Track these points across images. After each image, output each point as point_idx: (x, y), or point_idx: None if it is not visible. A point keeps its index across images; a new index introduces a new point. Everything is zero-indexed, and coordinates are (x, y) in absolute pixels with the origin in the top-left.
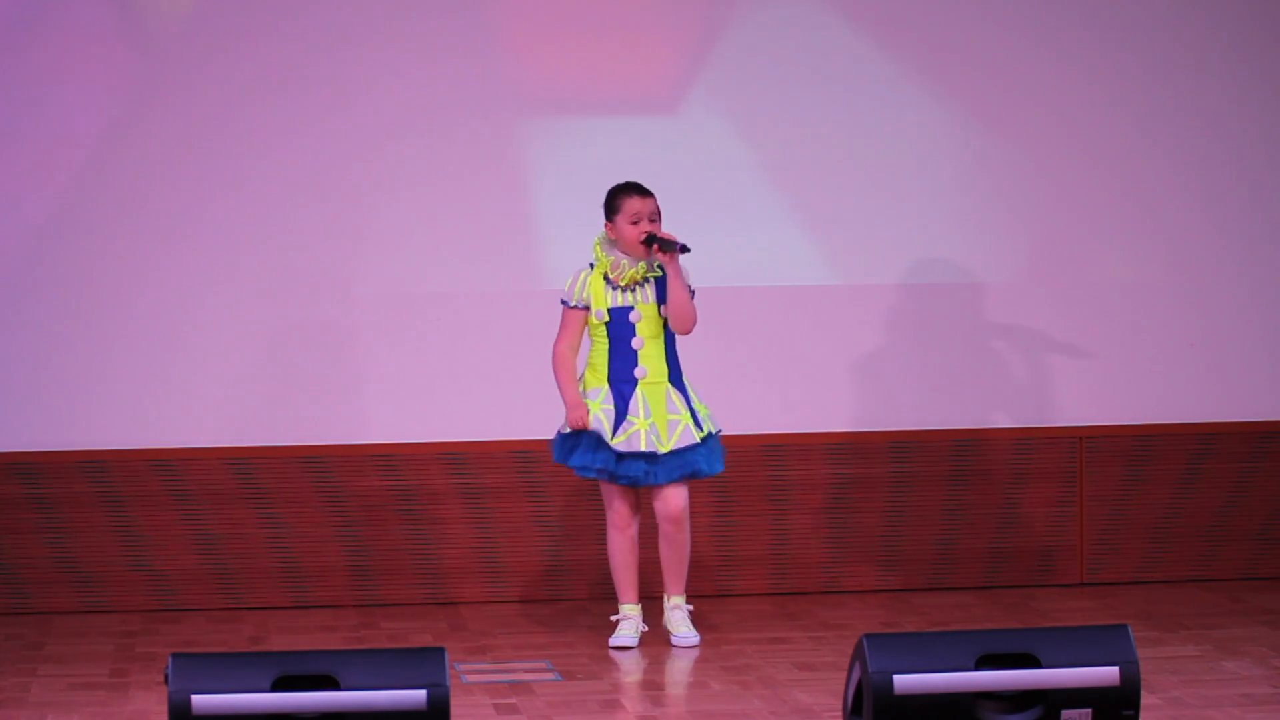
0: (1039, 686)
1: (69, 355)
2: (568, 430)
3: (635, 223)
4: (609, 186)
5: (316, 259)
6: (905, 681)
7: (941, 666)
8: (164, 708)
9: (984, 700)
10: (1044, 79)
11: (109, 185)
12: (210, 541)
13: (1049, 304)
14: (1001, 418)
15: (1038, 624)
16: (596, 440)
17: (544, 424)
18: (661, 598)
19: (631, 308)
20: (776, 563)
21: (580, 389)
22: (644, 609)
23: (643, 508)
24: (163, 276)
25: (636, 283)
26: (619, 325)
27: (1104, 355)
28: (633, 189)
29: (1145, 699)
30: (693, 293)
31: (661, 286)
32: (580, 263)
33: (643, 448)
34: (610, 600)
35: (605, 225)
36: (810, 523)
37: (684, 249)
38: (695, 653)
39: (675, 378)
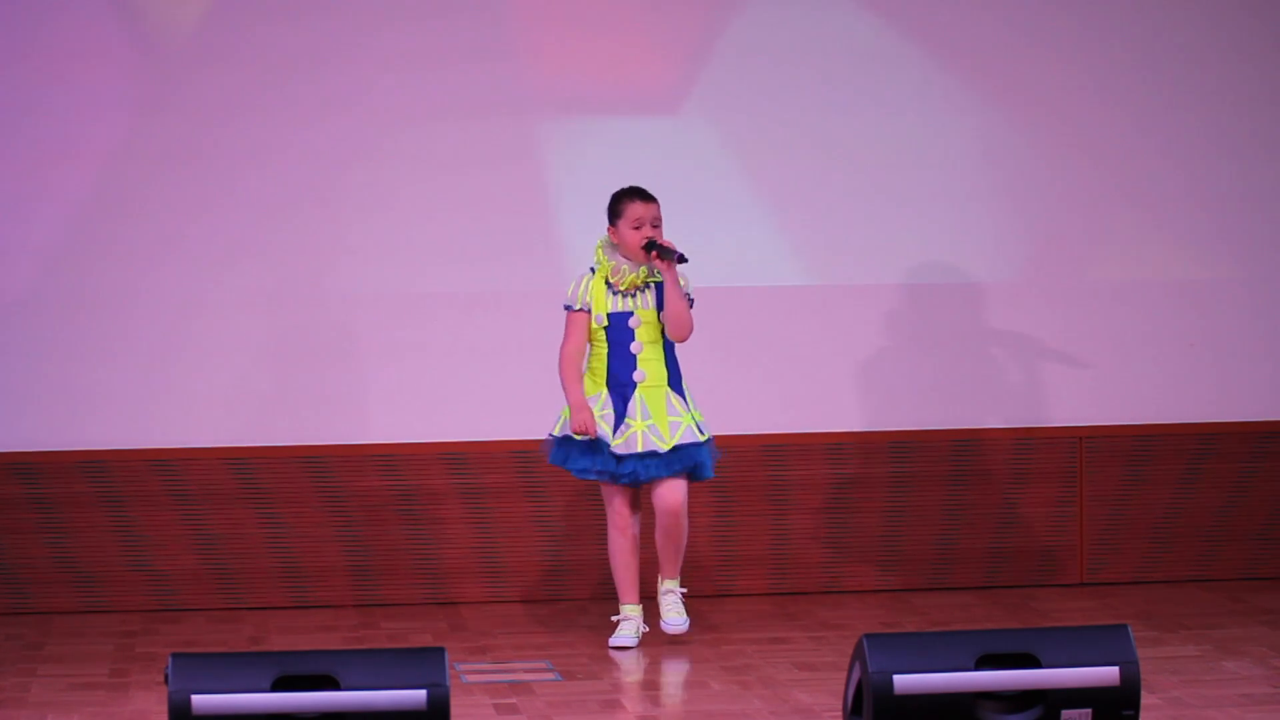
0: (1039, 686)
1: (69, 355)
2: (559, 434)
3: (637, 228)
4: (610, 188)
5: (317, 259)
6: (905, 681)
7: (941, 666)
8: (164, 708)
9: (984, 700)
10: (1044, 79)
11: (109, 186)
12: (210, 541)
13: (1049, 304)
14: (1001, 418)
15: (1038, 624)
16: (595, 442)
17: (545, 424)
18: (658, 586)
19: (631, 313)
20: (776, 563)
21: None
22: (644, 609)
23: (643, 507)
24: (163, 277)
25: (637, 288)
26: (618, 330)
27: (1104, 355)
28: (636, 194)
29: (1145, 699)
30: (691, 302)
31: (662, 292)
32: (581, 262)
33: (640, 449)
34: (610, 600)
35: (608, 229)
36: (810, 523)
37: (681, 258)
38: (695, 652)
39: (674, 382)
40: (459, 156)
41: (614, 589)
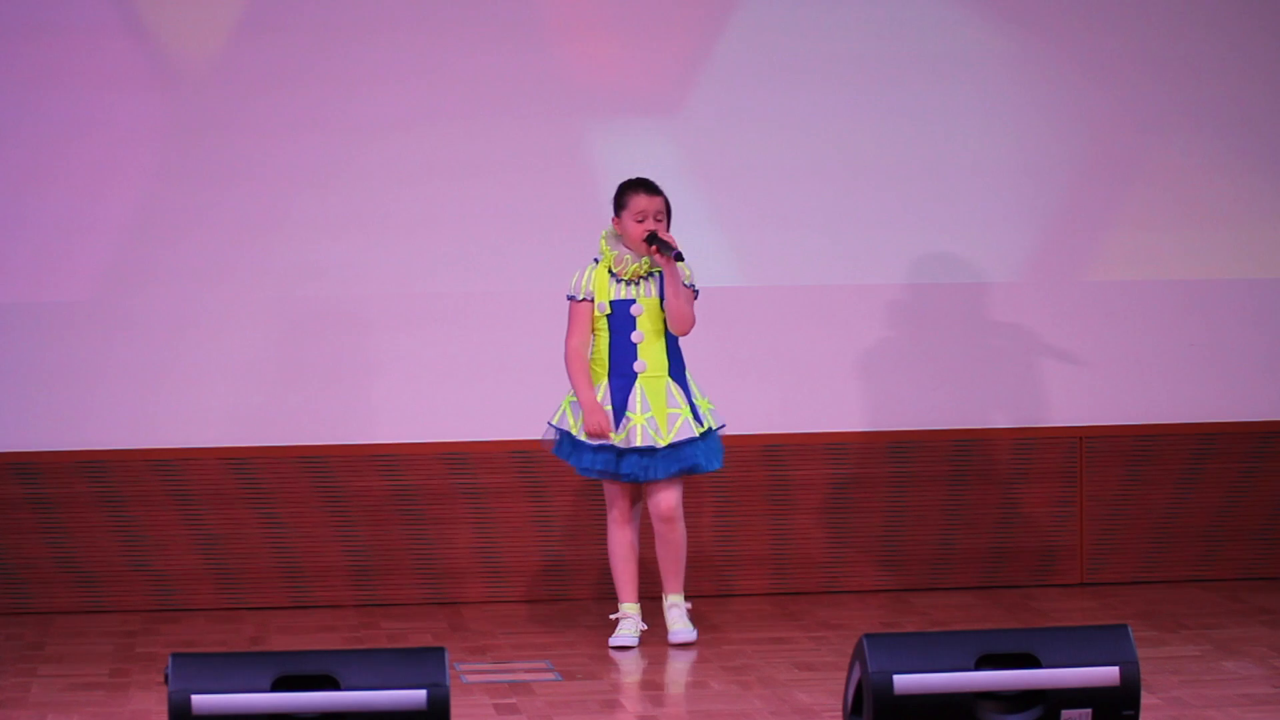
0: (1039, 686)
1: (69, 355)
2: (558, 424)
3: (640, 220)
4: (610, 185)
5: (317, 260)
6: (905, 681)
7: (941, 666)
8: (164, 708)
9: (984, 700)
10: (1043, 79)
11: (110, 186)
12: (210, 541)
13: (1049, 304)
14: (1002, 418)
15: (1038, 624)
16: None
17: (545, 424)
18: (661, 597)
19: (633, 301)
20: (777, 562)
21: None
22: (643, 608)
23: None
24: (163, 276)
25: (640, 276)
26: (620, 318)
27: (1104, 355)
28: (641, 186)
29: (1145, 699)
30: (696, 293)
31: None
32: (581, 262)
33: (639, 443)
34: (610, 600)
35: (612, 219)
36: (810, 523)
37: (678, 256)
38: (695, 652)
39: (676, 372)
40: (459, 160)
41: (613, 588)
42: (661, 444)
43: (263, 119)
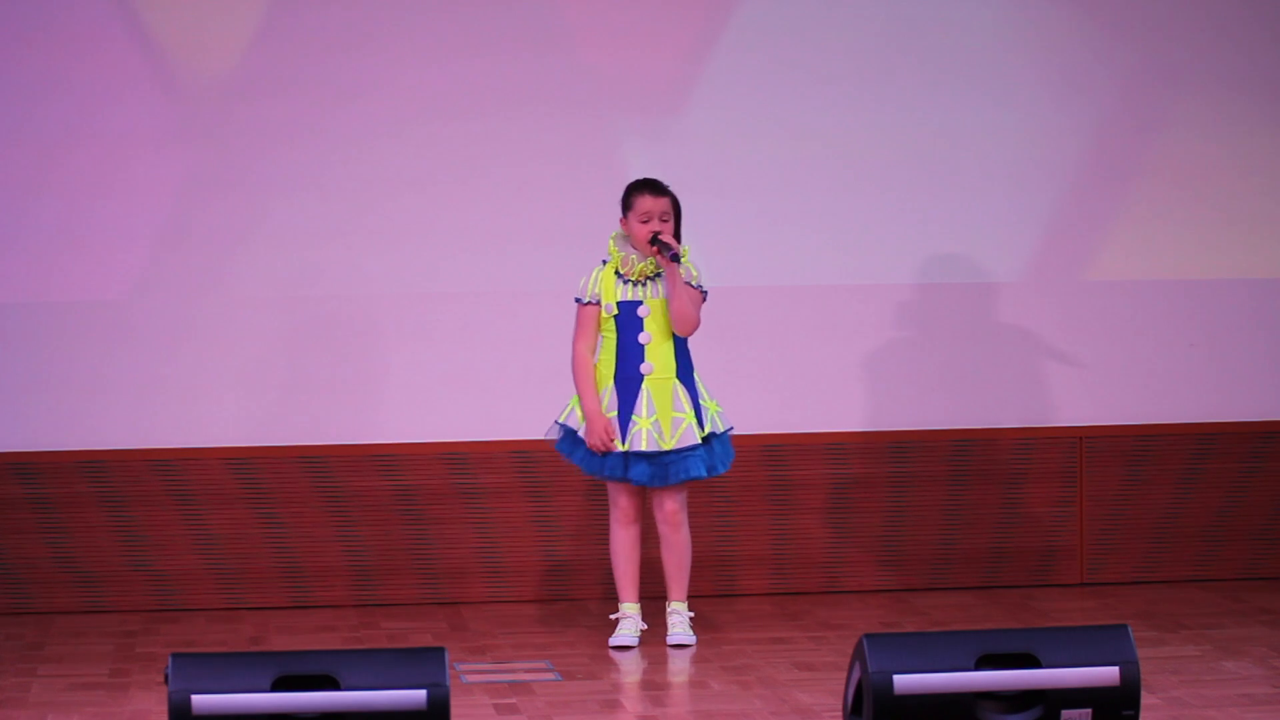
0: (1039, 686)
1: (69, 355)
2: (564, 422)
3: (645, 221)
4: (609, 186)
5: (317, 260)
6: (905, 681)
7: (941, 666)
8: (164, 708)
9: (984, 700)
10: (1044, 79)
11: (110, 188)
12: (210, 541)
13: (1049, 304)
14: (1001, 418)
15: (1038, 624)
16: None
17: (544, 424)
18: (663, 599)
19: (640, 302)
20: (777, 562)
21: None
22: (644, 608)
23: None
24: (163, 277)
25: (647, 277)
26: (627, 319)
27: (1104, 355)
28: (646, 187)
29: (1145, 699)
30: (705, 294)
31: None
32: (580, 262)
33: (644, 447)
34: (610, 600)
35: (620, 220)
36: (811, 523)
37: (674, 257)
38: (694, 652)
39: (684, 374)
40: (462, 156)
41: (613, 588)
42: (666, 447)
43: (261, 121)
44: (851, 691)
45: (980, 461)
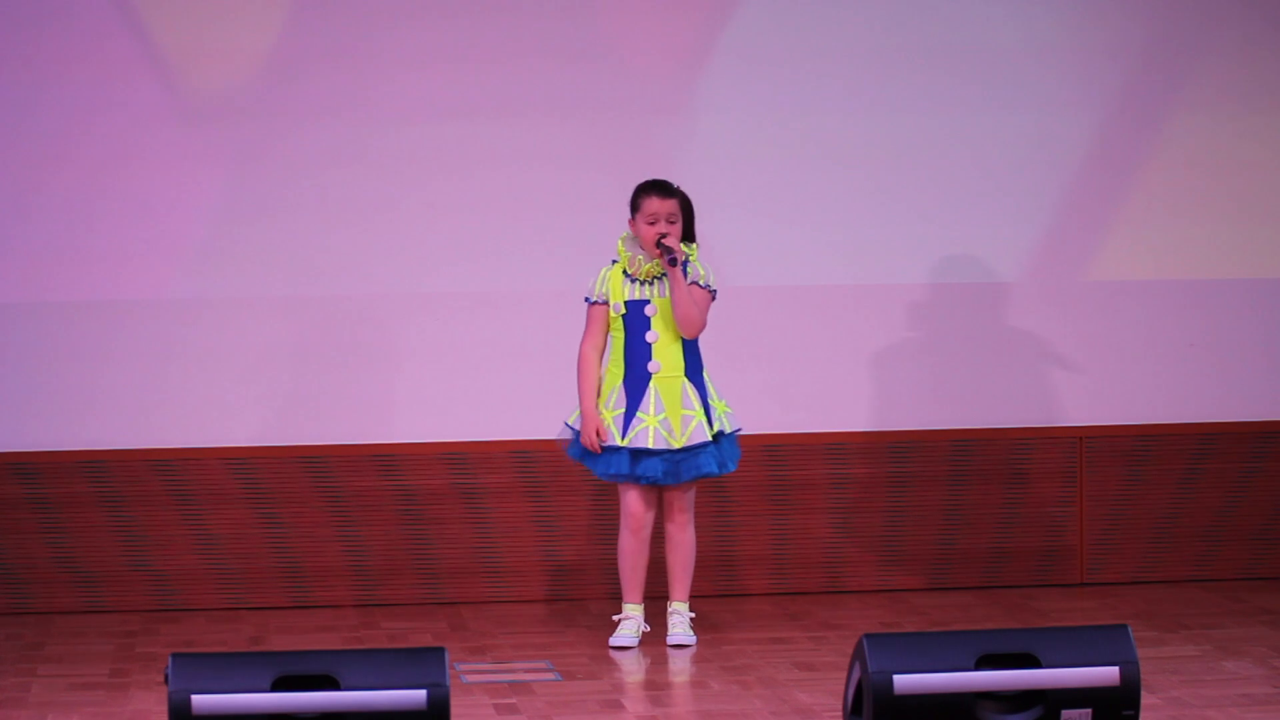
0: (1039, 686)
1: (69, 355)
2: (575, 424)
3: (652, 223)
4: (609, 183)
5: (318, 261)
6: (905, 681)
7: (941, 666)
8: (164, 708)
9: (984, 700)
10: (1046, 79)
11: (110, 188)
12: (210, 541)
13: (1049, 304)
14: (1001, 418)
15: (1038, 624)
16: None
17: (544, 424)
18: (664, 599)
19: (648, 301)
20: (777, 562)
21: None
22: (647, 609)
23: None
24: (163, 276)
25: (655, 277)
26: (635, 318)
27: (1104, 355)
28: (654, 188)
29: (1145, 699)
30: (714, 295)
31: None
32: (581, 262)
33: (650, 444)
34: (610, 600)
35: (628, 221)
36: (811, 523)
37: (673, 261)
38: (694, 652)
39: (693, 372)
40: (460, 158)
41: (614, 588)
42: (676, 445)
43: (263, 122)
44: (851, 691)
45: (980, 462)
